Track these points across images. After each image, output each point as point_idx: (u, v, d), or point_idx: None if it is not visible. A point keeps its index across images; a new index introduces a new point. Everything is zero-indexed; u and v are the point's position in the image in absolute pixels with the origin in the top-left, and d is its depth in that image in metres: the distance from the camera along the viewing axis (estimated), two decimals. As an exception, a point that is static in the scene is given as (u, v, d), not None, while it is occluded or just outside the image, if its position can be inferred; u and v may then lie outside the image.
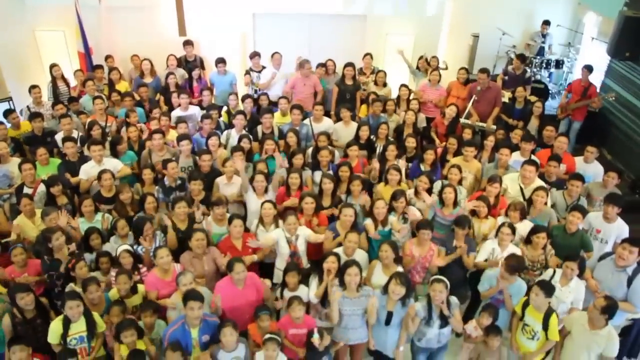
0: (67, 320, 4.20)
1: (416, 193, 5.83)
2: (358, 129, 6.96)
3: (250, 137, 6.81)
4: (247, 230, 5.40)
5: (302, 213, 5.47)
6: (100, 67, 8.86)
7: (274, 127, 7.16)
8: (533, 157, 6.49)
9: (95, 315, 4.34)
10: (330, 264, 4.62)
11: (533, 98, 8.13)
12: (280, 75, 8.62)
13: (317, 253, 5.23)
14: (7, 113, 7.31)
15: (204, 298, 4.20)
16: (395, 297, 4.36)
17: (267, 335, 4.16)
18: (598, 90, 8.56)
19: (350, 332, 4.58)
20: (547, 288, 4.35)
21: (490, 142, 6.63)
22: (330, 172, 6.19)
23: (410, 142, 6.69)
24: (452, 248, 5.22)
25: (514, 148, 6.62)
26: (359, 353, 4.84)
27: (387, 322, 4.48)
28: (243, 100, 7.85)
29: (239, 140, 6.68)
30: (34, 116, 7.05)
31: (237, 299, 4.58)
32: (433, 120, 7.89)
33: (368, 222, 5.36)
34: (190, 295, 4.14)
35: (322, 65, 8.65)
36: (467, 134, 7.01)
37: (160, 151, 6.50)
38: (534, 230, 5.08)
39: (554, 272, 4.84)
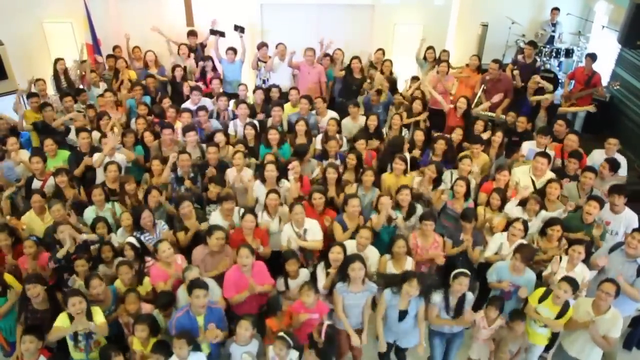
0: (72, 317, 4.19)
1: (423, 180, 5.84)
2: (367, 119, 6.95)
3: (255, 125, 6.80)
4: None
5: (312, 207, 5.46)
6: (112, 56, 8.89)
7: (283, 121, 7.17)
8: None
9: (96, 311, 4.26)
10: (335, 254, 4.61)
11: (543, 83, 8.05)
12: (286, 65, 8.59)
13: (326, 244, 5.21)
14: (30, 96, 7.41)
15: (208, 286, 4.23)
16: (408, 298, 4.37)
17: (280, 334, 4.16)
18: (604, 79, 8.46)
19: (350, 319, 4.60)
20: (575, 284, 4.35)
21: (498, 138, 6.55)
22: (338, 161, 6.22)
23: (419, 136, 6.68)
24: (459, 241, 5.22)
25: (520, 135, 6.64)
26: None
27: (401, 319, 4.48)
28: (254, 92, 7.85)
29: (244, 128, 6.69)
30: (44, 106, 7.08)
31: (244, 286, 4.57)
32: (440, 112, 7.86)
33: (374, 218, 5.34)
34: (195, 284, 4.17)
35: (327, 55, 8.62)
36: (479, 126, 6.96)
37: (169, 146, 6.49)
38: (550, 223, 5.06)
39: (560, 259, 4.83)
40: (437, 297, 4.49)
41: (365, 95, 7.94)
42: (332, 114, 7.42)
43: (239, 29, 8.91)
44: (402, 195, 5.36)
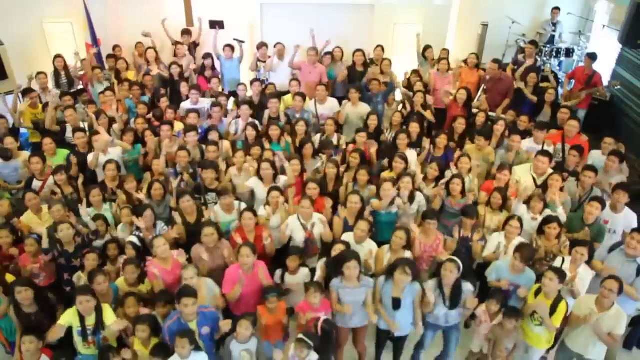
0: (81, 314, 4.19)
1: (425, 179, 5.86)
2: (367, 118, 6.95)
3: (257, 125, 6.81)
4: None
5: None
6: (112, 56, 8.88)
7: (280, 114, 7.17)
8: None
9: (106, 308, 4.28)
10: (337, 251, 4.63)
11: (547, 84, 8.03)
12: (286, 64, 8.59)
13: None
14: (26, 92, 7.35)
15: (197, 293, 4.19)
16: (401, 285, 4.37)
17: (299, 336, 4.13)
18: (605, 79, 8.44)
19: (352, 316, 4.60)
20: (561, 274, 4.34)
21: (500, 127, 6.58)
22: (335, 158, 6.26)
23: (414, 128, 6.68)
24: (460, 238, 5.22)
25: (522, 134, 6.60)
26: (362, 335, 4.86)
27: (395, 307, 4.48)
28: (251, 84, 7.87)
29: (245, 128, 6.71)
30: (45, 106, 7.05)
31: (245, 285, 4.57)
32: (442, 110, 7.85)
33: (374, 202, 5.36)
34: (183, 292, 4.13)
35: (329, 53, 8.62)
36: (481, 117, 6.99)
37: (168, 143, 6.50)
38: (546, 221, 5.05)
39: (563, 259, 4.82)
40: (430, 283, 4.51)
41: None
42: (332, 101, 7.43)
43: (239, 42, 8.94)
44: (403, 183, 5.41)
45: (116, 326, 4.17)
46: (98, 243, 5.20)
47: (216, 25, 9.10)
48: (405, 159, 5.95)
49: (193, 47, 9.29)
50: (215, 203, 5.73)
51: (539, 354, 4.74)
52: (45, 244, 4.94)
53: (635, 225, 5.28)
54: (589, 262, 4.84)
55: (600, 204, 5.16)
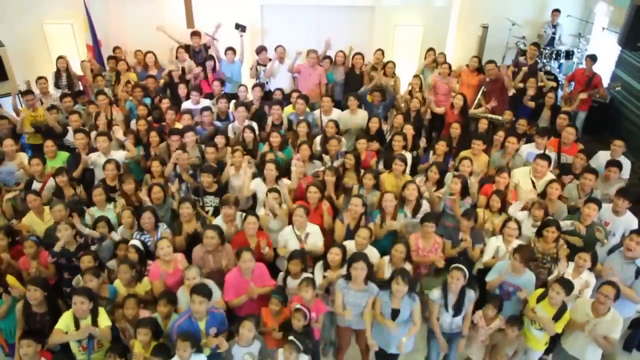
0: (76, 317, 4.18)
1: (426, 182, 5.85)
2: (368, 120, 6.95)
3: (254, 127, 6.78)
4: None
5: (308, 202, 5.47)
6: (113, 57, 8.88)
7: (283, 119, 7.16)
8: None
9: (101, 312, 4.25)
10: (333, 255, 4.62)
11: (549, 83, 8.01)
12: (286, 67, 8.57)
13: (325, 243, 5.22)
14: (25, 93, 7.37)
15: (211, 294, 4.20)
16: (399, 296, 4.35)
17: (290, 338, 4.09)
18: (604, 81, 8.45)
19: (353, 319, 4.58)
20: (568, 286, 4.33)
21: (499, 137, 6.55)
22: (339, 161, 6.24)
23: (408, 130, 6.67)
24: (459, 241, 5.21)
25: (520, 137, 6.63)
26: (364, 337, 4.83)
27: (394, 318, 4.46)
28: (253, 88, 7.87)
29: (243, 131, 6.70)
30: (50, 108, 7.06)
31: (244, 289, 4.57)
32: (441, 115, 7.84)
33: (376, 223, 5.31)
34: (195, 290, 4.15)
35: (328, 57, 8.61)
36: (483, 124, 6.96)
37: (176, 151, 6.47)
38: (545, 224, 5.04)
39: (567, 265, 4.81)
40: (435, 294, 4.50)
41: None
42: (338, 112, 7.42)
43: (240, 27, 8.89)
44: (408, 190, 5.39)
45: (100, 333, 4.14)
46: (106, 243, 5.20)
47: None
48: (404, 161, 5.95)
49: (204, 49, 9.24)
50: (212, 206, 5.75)
51: (537, 356, 4.76)
52: (57, 247, 4.93)
53: (635, 228, 5.28)
54: (592, 269, 4.83)
55: (597, 205, 5.16)
